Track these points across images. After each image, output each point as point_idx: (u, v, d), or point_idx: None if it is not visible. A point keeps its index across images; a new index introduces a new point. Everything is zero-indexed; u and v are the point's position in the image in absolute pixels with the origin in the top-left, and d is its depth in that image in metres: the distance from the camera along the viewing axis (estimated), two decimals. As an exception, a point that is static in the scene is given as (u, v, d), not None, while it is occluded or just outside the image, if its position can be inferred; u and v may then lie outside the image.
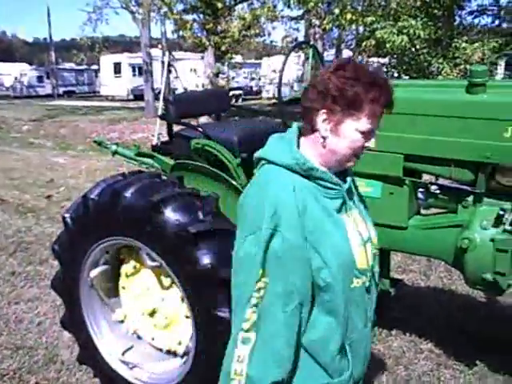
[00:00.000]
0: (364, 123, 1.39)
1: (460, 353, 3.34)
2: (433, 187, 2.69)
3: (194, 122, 3.88)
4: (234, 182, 2.85)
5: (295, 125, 1.52)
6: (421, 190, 2.76)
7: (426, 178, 2.83)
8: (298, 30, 12.65)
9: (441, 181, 2.68)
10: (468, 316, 3.88)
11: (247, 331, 1.34)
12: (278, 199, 1.33)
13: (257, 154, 1.50)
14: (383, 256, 3.00)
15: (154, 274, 2.81)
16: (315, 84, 1.41)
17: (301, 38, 12.45)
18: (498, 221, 2.47)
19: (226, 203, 2.77)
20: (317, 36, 11.59)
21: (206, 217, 2.52)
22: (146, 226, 2.51)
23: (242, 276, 1.39)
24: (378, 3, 8.91)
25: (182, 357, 2.78)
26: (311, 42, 4.09)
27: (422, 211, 2.90)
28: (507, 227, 2.42)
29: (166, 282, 2.76)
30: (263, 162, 1.47)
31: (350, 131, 1.40)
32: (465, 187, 2.59)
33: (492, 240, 2.45)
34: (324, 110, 1.38)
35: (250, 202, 1.40)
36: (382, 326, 3.68)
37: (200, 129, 3.05)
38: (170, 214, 2.47)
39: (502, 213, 2.45)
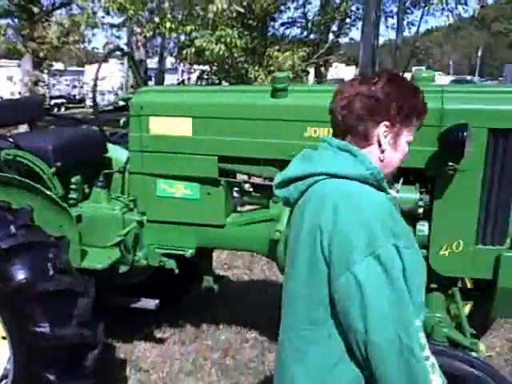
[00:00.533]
0: (412, 135, 1.41)
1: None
2: (246, 185, 2.88)
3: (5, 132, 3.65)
4: (49, 193, 2.76)
5: (330, 139, 1.45)
6: (236, 188, 2.94)
7: (240, 177, 3.01)
8: (119, 37, 12.48)
9: (253, 179, 2.87)
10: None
11: (427, 358, 1.21)
12: (380, 211, 1.24)
13: (312, 170, 1.38)
14: (205, 254, 3.15)
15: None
16: (371, 95, 1.34)
17: (123, 46, 12.32)
18: (305, 212, 2.72)
19: (42, 215, 2.68)
20: (139, 43, 11.54)
21: (18, 230, 2.41)
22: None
23: (386, 301, 1.18)
24: (197, 13, 9.15)
25: (0, 381, 2.62)
26: (127, 50, 4.10)
27: (239, 208, 3.08)
28: (314, 217, 2.67)
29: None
30: (322, 177, 1.34)
31: (404, 143, 1.40)
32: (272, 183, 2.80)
33: (299, 230, 2.70)
34: (386, 123, 1.34)
35: (350, 225, 1.22)
36: (209, 321, 3.84)
37: (10, 139, 2.89)
38: (-21, 230, 2.33)
39: (306, 205, 2.71)
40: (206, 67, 11.63)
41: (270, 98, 2.68)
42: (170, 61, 14.78)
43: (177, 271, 3.36)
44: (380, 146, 1.37)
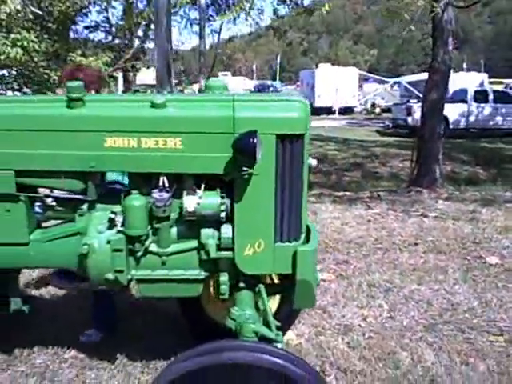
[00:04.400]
0: None
1: (101, 352, 3.54)
2: (48, 200, 2.77)
3: None
4: None
5: None
6: (37, 203, 2.81)
7: (41, 190, 2.88)
8: None
9: (56, 192, 2.77)
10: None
11: None
12: None
13: None
14: (10, 275, 2.95)
15: None
16: None
17: None
18: (112, 223, 2.72)
19: None
20: None
21: None
22: None
23: None
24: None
25: None
26: None
27: (44, 224, 2.95)
28: (119, 228, 2.68)
29: None
30: None
31: None
32: (78, 196, 2.74)
33: (108, 242, 2.69)
34: None
35: None
36: (22, 345, 3.60)
37: None
38: None
39: (113, 216, 2.70)
40: (4, 72, 10.75)
41: (65, 109, 2.61)
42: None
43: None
44: None
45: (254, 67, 74.12)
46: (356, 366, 3.42)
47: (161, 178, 2.63)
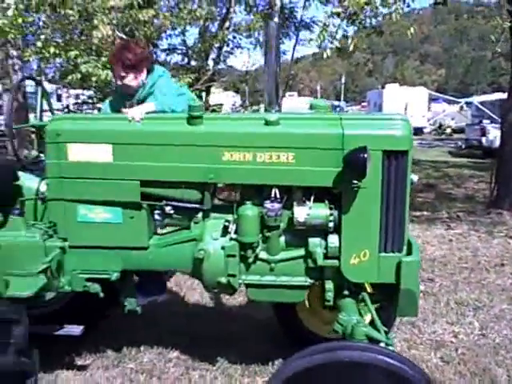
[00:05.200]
0: None
1: (202, 354, 3.74)
2: (167, 208, 3.01)
3: None
4: None
5: None
6: (157, 211, 3.06)
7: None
8: (-7, 60, 11.84)
9: (174, 202, 3.01)
10: (205, 321, 4.35)
11: None
12: None
13: None
14: (128, 277, 3.21)
15: None
16: None
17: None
18: (225, 231, 2.93)
19: None
20: (16, 67, 11.06)
21: None
22: None
23: None
24: (80, 38, 9.03)
25: None
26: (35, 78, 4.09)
27: (158, 231, 3.20)
28: (233, 236, 2.89)
29: None
30: None
31: None
32: (195, 206, 2.98)
33: (222, 248, 2.90)
34: None
35: None
36: (130, 344, 3.86)
37: None
38: None
39: (226, 224, 2.92)
40: (90, 92, 11.42)
41: (186, 125, 2.86)
42: (49, 86, 14.27)
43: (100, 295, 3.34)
44: None
45: (318, 87, 74.17)
46: (451, 380, 3.45)
47: (272, 190, 2.82)
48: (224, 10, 14.46)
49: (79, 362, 3.65)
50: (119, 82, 3.44)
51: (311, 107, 3.12)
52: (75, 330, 3.24)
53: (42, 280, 2.87)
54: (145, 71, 3.43)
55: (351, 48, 7.84)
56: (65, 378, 3.43)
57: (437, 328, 4.22)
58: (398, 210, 2.79)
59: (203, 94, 14.76)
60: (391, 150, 2.71)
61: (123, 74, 3.36)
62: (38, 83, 3.36)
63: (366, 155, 2.51)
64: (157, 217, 3.07)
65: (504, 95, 20.65)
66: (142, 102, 3.39)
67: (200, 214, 3.02)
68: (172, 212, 3.02)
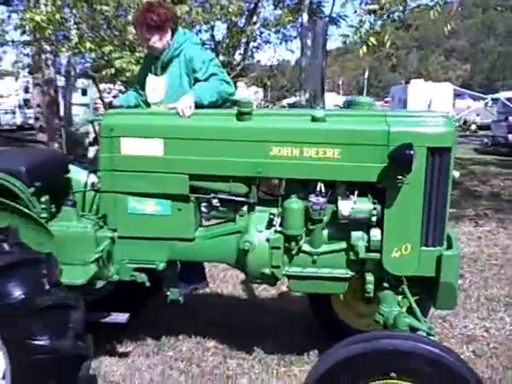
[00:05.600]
0: None
1: (238, 344, 3.86)
2: (214, 201, 3.13)
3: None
4: (29, 212, 2.84)
5: None
6: (204, 204, 3.18)
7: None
8: (28, 55, 12.07)
9: (221, 195, 3.12)
10: (240, 312, 4.48)
11: None
12: None
13: None
14: (171, 267, 3.34)
15: None
16: None
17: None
18: (270, 224, 3.04)
19: (26, 233, 2.76)
20: (49, 62, 11.29)
21: (11, 248, 2.50)
22: None
23: None
24: (114, 34, 9.18)
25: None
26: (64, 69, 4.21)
27: (204, 222, 3.31)
28: (277, 228, 2.99)
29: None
30: None
31: None
32: (241, 199, 3.09)
33: (267, 240, 3.01)
34: None
35: None
36: (168, 333, 4.00)
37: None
38: (-30, 251, 2.39)
39: (271, 217, 3.03)
40: (121, 87, 11.62)
41: (236, 121, 2.97)
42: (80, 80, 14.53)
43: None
44: None
45: (340, 82, 73.61)
46: (484, 372, 3.52)
47: (318, 184, 2.92)
48: (252, 5, 14.54)
49: (121, 349, 3.80)
50: (144, 44, 3.48)
51: (354, 104, 3.21)
52: (121, 317, 3.38)
53: (94, 269, 3.01)
54: (169, 32, 3.41)
55: (388, 45, 7.85)
56: (108, 364, 3.58)
57: (468, 323, 4.28)
58: (440, 205, 2.86)
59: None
60: (435, 147, 2.78)
61: (148, 35, 3.37)
62: (91, 77, 3.48)
63: (412, 152, 2.59)
64: (203, 209, 3.18)
65: (532, 91, 20.25)
66: (167, 65, 3.43)
67: (245, 207, 3.13)
68: (218, 205, 3.13)
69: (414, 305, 2.88)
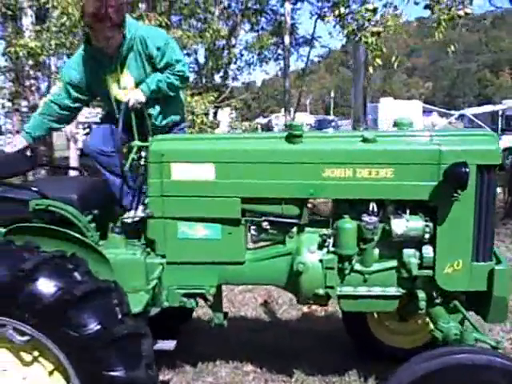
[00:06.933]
0: None
1: (276, 366, 3.85)
2: (264, 223, 3.14)
3: None
4: (87, 240, 2.80)
5: None
6: (253, 227, 3.18)
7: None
8: (12, 81, 11.86)
9: (273, 217, 3.13)
10: (269, 334, 4.46)
11: None
12: None
13: None
14: (216, 291, 3.31)
15: (10, 352, 2.53)
16: None
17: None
18: (321, 245, 3.07)
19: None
20: (33, 88, 11.09)
21: (83, 277, 2.46)
22: (15, 298, 2.31)
23: None
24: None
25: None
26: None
27: (250, 245, 3.32)
28: (330, 249, 3.02)
29: (28, 357, 2.53)
30: None
31: None
32: (292, 220, 3.11)
33: (321, 261, 3.03)
34: None
35: None
36: (205, 359, 3.96)
37: (34, 188, 2.88)
38: (46, 281, 2.34)
39: (324, 238, 3.06)
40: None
41: (287, 144, 3.01)
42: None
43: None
44: None
45: (308, 102, 74.57)
46: None
47: (370, 204, 2.97)
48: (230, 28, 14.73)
49: (161, 377, 3.73)
50: (103, 44, 3.22)
51: (395, 124, 3.29)
52: (168, 344, 3.33)
53: (148, 296, 2.97)
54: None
55: (395, 66, 8.12)
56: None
57: (493, 335, 4.36)
58: (489, 221, 2.94)
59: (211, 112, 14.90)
60: (485, 164, 2.87)
61: (109, 33, 3.14)
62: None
63: (468, 169, 2.67)
64: (253, 232, 3.18)
65: (494, 107, 20.90)
66: (124, 61, 3.35)
67: (295, 229, 3.15)
68: (268, 227, 3.14)
69: (472, 320, 2.94)
